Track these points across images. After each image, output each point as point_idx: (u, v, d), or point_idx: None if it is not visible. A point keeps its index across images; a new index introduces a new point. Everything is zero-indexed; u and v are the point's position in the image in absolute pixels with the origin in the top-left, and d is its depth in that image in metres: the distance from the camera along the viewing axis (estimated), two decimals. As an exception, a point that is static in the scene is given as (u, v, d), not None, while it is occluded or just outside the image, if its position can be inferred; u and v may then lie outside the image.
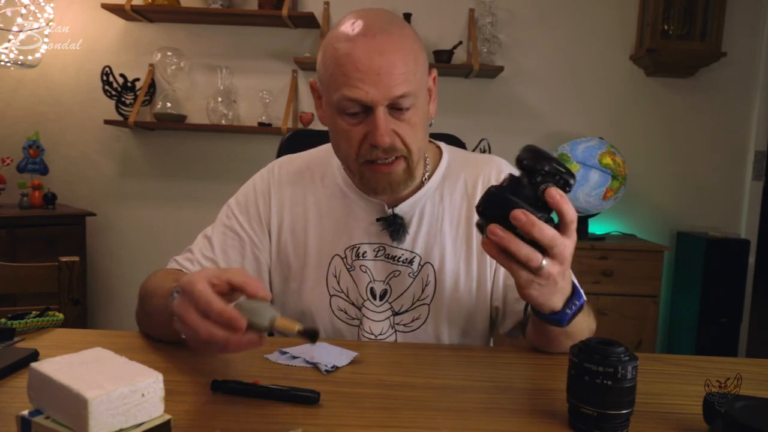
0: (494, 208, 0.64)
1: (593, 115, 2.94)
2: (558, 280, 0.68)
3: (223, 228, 1.00)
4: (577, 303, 0.73)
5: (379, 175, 0.88)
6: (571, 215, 0.65)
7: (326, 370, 0.75)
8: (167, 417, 0.53)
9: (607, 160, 2.53)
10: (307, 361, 0.77)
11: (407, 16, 2.79)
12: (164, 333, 0.81)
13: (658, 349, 2.93)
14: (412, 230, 0.96)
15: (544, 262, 0.65)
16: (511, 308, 0.95)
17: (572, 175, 0.65)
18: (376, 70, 0.80)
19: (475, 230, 0.95)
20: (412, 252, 0.96)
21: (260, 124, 2.82)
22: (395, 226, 0.94)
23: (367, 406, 0.65)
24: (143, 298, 0.87)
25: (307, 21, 2.78)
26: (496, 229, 0.63)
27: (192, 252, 0.99)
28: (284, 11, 2.67)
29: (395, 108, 0.84)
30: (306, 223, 0.99)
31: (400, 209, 0.95)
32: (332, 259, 0.97)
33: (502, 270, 0.96)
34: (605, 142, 2.64)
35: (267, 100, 2.87)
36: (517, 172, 0.66)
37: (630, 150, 2.86)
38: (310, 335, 0.64)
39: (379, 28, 0.83)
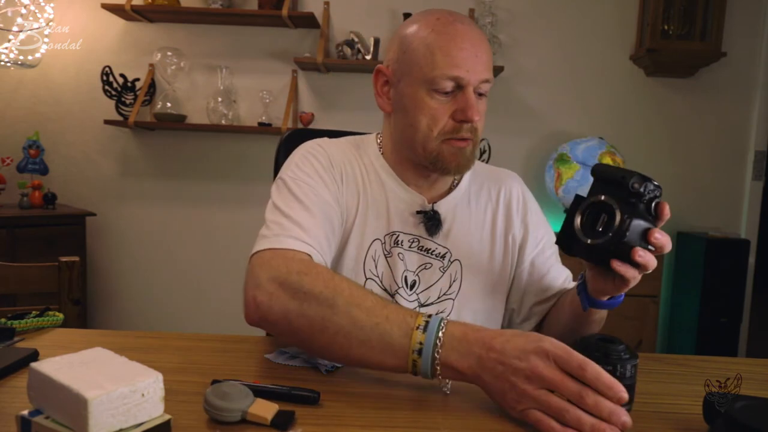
0: (635, 231, 0.74)
1: (593, 115, 2.94)
2: None
3: (314, 198, 0.91)
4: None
5: (457, 150, 0.93)
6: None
7: (326, 370, 0.75)
8: (167, 417, 0.53)
9: (607, 160, 2.53)
10: (307, 361, 0.77)
11: (407, 16, 2.79)
12: (340, 352, 0.72)
13: (658, 349, 2.93)
14: (445, 227, 1.00)
15: None
16: (533, 311, 1.04)
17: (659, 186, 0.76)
18: (474, 52, 0.89)
19: (498, 236, 1.02)
20: (444, 247, 0.99)
21: (260, 124, 2.82)
22: (433, 221, 0.98)
23: (367, 406, 0.65)
24: (326, 301, 0.72)
25: (307, 21, 2.78)
26: (659, 233, 0.76)
27: (303, 228, 0.85)
28: (284, 11, 2.67)
29: (476, 92, 0.92)
30: (357, 202, 0.98)
31: (438, 206, 1.00)
32: (372, 242, 0.98)
33: (524, 276, 1.03)
34: (605, 142, 2.64)
35: (267, 100, 2.87)
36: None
37: (630, 150, 2.86)
38: (281, 423, 0.58)
39: (467, 20, 0.93)
